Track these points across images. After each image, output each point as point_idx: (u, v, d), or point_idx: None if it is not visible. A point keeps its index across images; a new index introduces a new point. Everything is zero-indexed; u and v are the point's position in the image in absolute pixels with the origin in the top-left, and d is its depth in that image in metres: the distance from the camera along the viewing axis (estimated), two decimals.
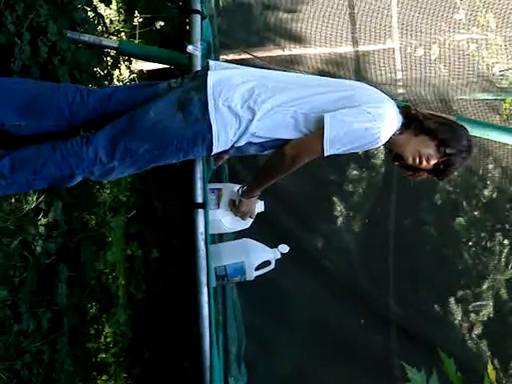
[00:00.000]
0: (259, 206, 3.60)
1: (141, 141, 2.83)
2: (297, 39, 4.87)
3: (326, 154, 2.90)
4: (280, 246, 3.54)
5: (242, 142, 2.94)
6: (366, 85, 3.16)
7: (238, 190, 3.37)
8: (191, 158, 3.03)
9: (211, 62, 3.07)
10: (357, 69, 4.92)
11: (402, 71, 4.86)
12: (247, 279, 3.51)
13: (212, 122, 2.84)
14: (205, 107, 2.83)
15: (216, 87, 2.87)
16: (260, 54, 4.97)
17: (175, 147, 2.87)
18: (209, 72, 2.97)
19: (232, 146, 2.95)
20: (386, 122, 2.92)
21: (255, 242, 3.56)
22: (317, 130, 2.90)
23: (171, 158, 2.94)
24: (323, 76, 3.47)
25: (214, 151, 2.92)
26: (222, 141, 2.88)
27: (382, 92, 3.13)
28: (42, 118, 2.94)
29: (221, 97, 2.86)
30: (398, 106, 3.10)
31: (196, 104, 2.84)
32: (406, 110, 3.11)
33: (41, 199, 3.31)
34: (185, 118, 2.82)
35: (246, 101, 2.89)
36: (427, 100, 4.83)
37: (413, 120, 3.05)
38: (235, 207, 3.38)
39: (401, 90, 4.86)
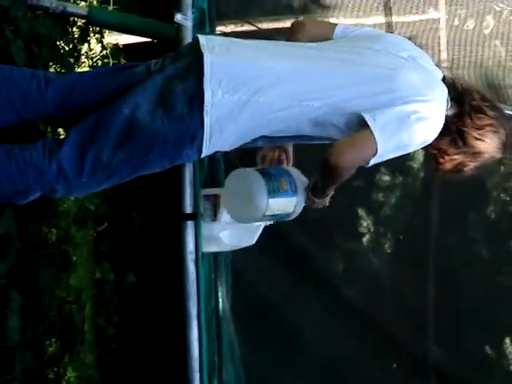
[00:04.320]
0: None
1: (113, 149, 2.72)
2: (315, 7, 4.85)
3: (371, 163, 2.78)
4: None
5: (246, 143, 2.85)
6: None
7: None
8: (179, 163, 2.99)
9: (201, 39, 3.00)
10: None
11: (448, 49, 4.85)
12: (292, 213, 3.20)
13: (205, 117, 2.79)
14: (193, 99, 2.74)
15: (215, 75, 2.75)
16: (267, 25, 4.95)
17: (157, 153, 2.75)
18: (203, 52, 2.79)
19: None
20: (438, 118, 2.87)
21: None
22: (361, 130, 2.77)
23: (153, 166, 2.80)
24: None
25: (205, 153, 2.87)
26: (215, 141, 2.77)
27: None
28: None
29: (221, 87, 2.75)
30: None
31: (180, 96, 2.73)
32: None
33: None
34: (167, 114, 2.73)
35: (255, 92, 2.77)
36: (477, 86, 4.82)
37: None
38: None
39: (445, 73, 4.84)
